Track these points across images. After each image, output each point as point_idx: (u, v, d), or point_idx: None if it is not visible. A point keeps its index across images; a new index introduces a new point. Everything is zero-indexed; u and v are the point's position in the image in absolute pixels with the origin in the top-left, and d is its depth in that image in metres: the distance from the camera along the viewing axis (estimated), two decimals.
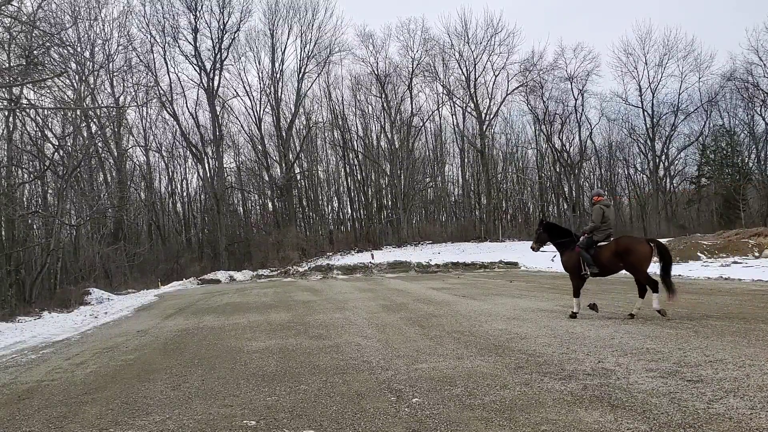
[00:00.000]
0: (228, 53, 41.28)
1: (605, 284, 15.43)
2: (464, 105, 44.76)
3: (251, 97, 43.97)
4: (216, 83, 40.84)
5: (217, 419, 4.41)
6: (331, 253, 37.63)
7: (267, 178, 44.87)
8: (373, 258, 32.06)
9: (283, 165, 43.39)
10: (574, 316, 8.70)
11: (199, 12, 39.95)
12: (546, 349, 6.31)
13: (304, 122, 45.53)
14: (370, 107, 46.11)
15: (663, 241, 26.38)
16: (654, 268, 8.50)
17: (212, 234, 42.79)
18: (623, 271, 8.73)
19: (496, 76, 43.91)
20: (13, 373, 7.13)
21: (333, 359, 6.42)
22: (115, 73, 36.76)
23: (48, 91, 19.86)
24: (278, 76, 42.97)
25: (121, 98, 36.85)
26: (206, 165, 42.45)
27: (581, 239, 8.81)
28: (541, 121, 46.32)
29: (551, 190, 48.81)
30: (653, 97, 42.94)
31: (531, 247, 9.88)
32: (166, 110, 41.39)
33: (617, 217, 41.21)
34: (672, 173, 45.48)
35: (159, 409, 4.82)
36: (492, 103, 44.53)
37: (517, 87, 44.17)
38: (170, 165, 45.66)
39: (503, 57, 43.44)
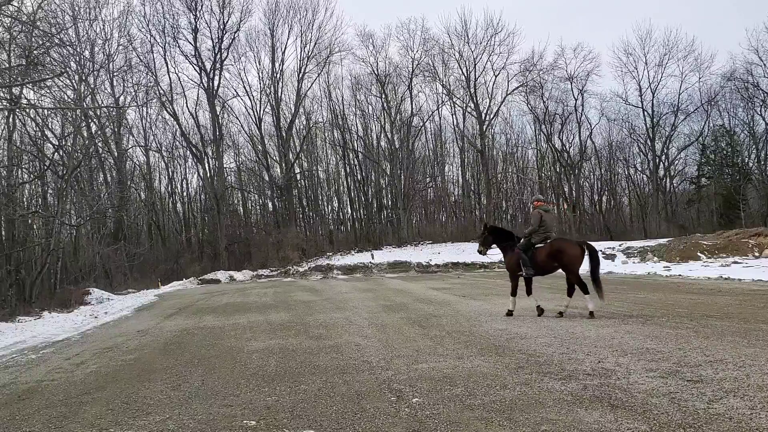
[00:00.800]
0: (228, 53, 41.27)
1: (606, 284, 15.42)
2: (464, 105, 44.76)
3: (251, 97, 43.98)
4: (216, 83, 40.85)
5: (217, 419, 4.41)
6: (331, 253, 37.62)
7: (267, 178, 44.85)
8: (373, 258, 32.06)
9: (283, 165, 43.38)
10: (510, 314, 9.35)
11: (199, 12, 39.94)
12: (546, 349, 6.31)
13: (304, 122, 45.54)
14: (370, 107, 46.13)
15: (663, 241, 26.41)
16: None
17: (212, 234, 42.77)
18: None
19: (496, 76, 43.91)
20: (13, 373, 7.13)
21: (333, 359, 6.42)
22: (115, 73, 36.77)
23: (48, 91, 19.90)
24: (278, 76, 42.98)
25: (121, 98, 36.86)
26: (206, 165, 42.44)
27: (521, 242, 9.33)
28: (541, 121, 46.31)
29: (551, 190, 48.79)
30: (653, 97, 42.95)
31: (478, 251, 10.31)
32: (166, 110, 41.38)
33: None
34: (672, 173, 45.50)
35: (159, 409, 4.82)
36: (492, 103, 44.55)
37: (517, 87, 44.17)
38: (170, 165, 45.67)
39: (503, 57, 43.43)
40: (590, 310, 8.64)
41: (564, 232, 43.28)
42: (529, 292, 9.55)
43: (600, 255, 9.21)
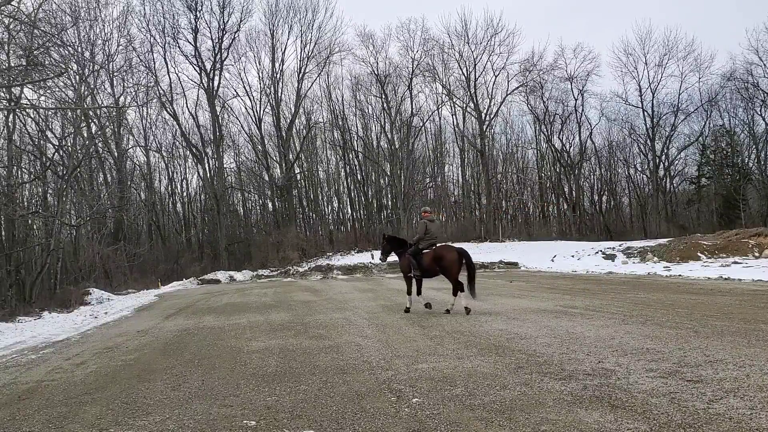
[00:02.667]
0: (228, 53, 41.31)
1: (606, 285, 15.43)
2: (464, 105, 44.78)
3: (251, 97, 44.00)
4: (216, 83, 40.87)
5: (217, 419, 4.41)
6: (331, 253, 37.61)
7: (267, 178, 44.86)
8: (373, 258, 32.06)
9: (283, 165, 43.39)
10: (407, 311, 10.49)
11: (200, 12, 39.99)
12: (546, 349, 6.31)
13: (304, 122, 45.56)
14: (370, 107, 46.15)
15: (663, 241, 26.53)
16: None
17: (212, 234, 42.78)
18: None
19: (496, 76, 43.94)
20: (13, 373, 7.13)
21: (333, 359, 6.42)
22: (115, 74, 36.76)
23: (48, 91, 19.89)
24: (278, 76, 42.99)
25: (121, 98, 36.84)
26: (206, 165, 42.47)
27: (411, 248, 10.49)
28: (541, 121, 46.34)
29: (551, 190, 48.81)
30: (653, 97, 42.97)
31: (379, 258, 11.61)
32: (166, 110, 41.40)
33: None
34: (672, 173, 45.52)
35: (159, 409, 4.82)
36: (492, 103, 44.57)
37: (517, 87, 44.21)
38: (170, 165, 45.69)
39: (503, 57, 43.45)
40: (465, 306, 9.77)
41: (564, 232, 43.29)
42: (419, 292, 10.70)
43: (474, 260, 10.55)
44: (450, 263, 9.88)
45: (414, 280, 10.64)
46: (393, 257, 11.31)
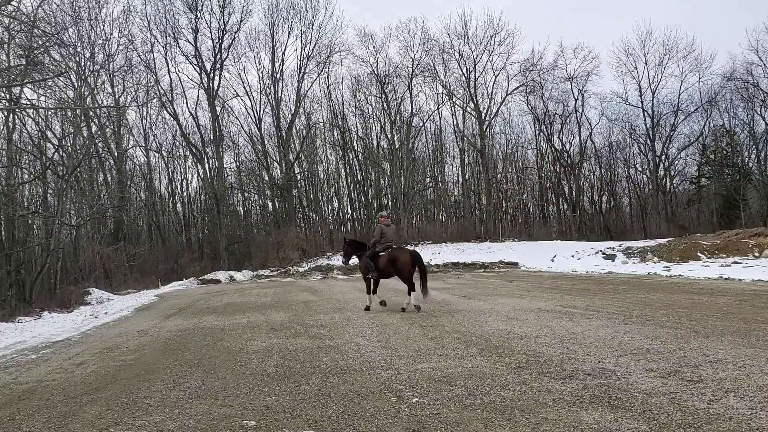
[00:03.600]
0: (228, 53, 41.33)
1: (606, 285, 15.43)
2: (464, 105, 44.77)
3: (251, 97, 44.01)
4: (216, 83, 40.89)
5: (217, 419, 4.41)
6: (331, 253, 37.60)
7: (267, 178, 44.86)
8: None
9: (283, 165, 43.39)
10: (367, 308, 11.12)
11: (200, 12, 39.99)
12: (546, 349, 6.31)
13: (304, 122, 45.56)
14: (370, 107, 46.16)
15: (663, 241, 26.71)
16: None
17: (212, 234, 42.78)
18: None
19: (496, 76, 43.93)
20: (13, 373, 7.13)
21: (333, 359, 6.42)
22: (115, 73, 36.78)
23: (48, 91, 19.88)
24: (278, 76, 43.00)
25: (121, 98, 36.86)
26: (206, 165, 42.48)
27: (369, 251, 11.26)
28: (541, 121, 46.34)
29: (551, 190, 48.80)
30: (653, 97, 42.97)
31: (342, 262, 12.46)
32: (166, 110, 41.42)
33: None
34: (672, 173, 45.53)
35: (159, 409, 4.81)
36: (492, 103, 44.56)
37: (517, 87, 44.20)
38: (170, 165, 45.69)
39: (503, 57, 43.45)
40: (415, 305, 10.49)
41: (564, 232, 43.27)
42: (374, 291, 11.39)
43: (425, 261, 11.68)
44: (403, 265, 10.68)
45: (372, 281, 11.36)
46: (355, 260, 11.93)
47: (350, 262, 12.12)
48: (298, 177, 45.65)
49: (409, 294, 10.69)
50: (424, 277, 10.65)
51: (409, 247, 11.36)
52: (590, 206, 48.37)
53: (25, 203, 27.51)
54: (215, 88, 40.76)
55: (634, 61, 43.69)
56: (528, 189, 49.97)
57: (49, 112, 23.94)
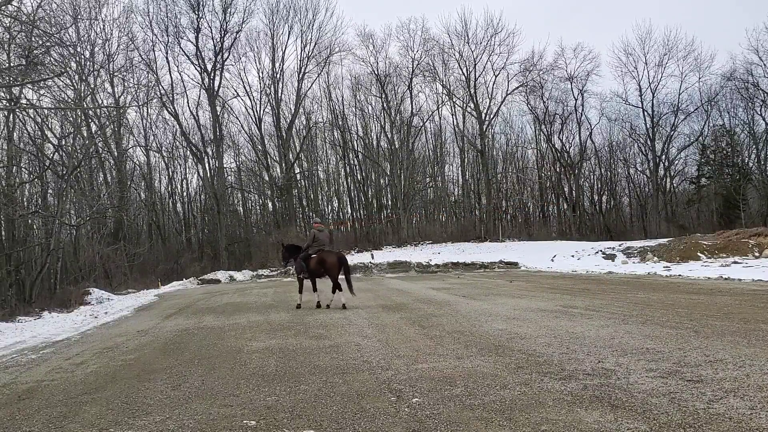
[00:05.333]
0: (229, 53, 41.29)
1: (606, 285, 15.43)
2: (464, 105, 44.80)
3: (251, 97, 44.00)
4: (217, 83, 40.85)
5: (217, 419, 4.41)
6: None
7: (267, 178, 44.85)
8: (373, 258, 32.06)
9: (283, 165, 43.38)
10: (298, 306, 12.20)
11: (202, 12, 39.95)
12: (546, 349, 6.31)
13: (304, 122, 45.57)
14: (370, 107, 46.17)
15: (663, 241, 26.87)
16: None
17: (212, 234, 42.77)
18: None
19: (496, 76, 43.97)
20: (13, 373, 7.13)
21: (333, 359, 6.42)
22: (115, 73, 36.75)
23: (48, 91, 19.89)
24: (278, 76, 42.98)
25: (122, 98, 36.82)
26: (206, 165, 42.46)
27: (302, 253, 12.35)
28: (541, 121, 46.35)
29: (551, 190, 48.81)
30: (653, 97, 42.99)
31: (280, 264, 14.49)
32: (167, 110, 41.40)
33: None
34: (672, 173, 45.54)
35: (159, 409, 4.81)
36: (492, 103, 44.61)
37: (517, 87, 44.24)
38: (170, 165, 45.67)
39: (503, 57, 43.50)
40: (342, 303, 11.59)
41: (564, 232, 43.28)
42: (314, 289, 12.43)
43: (349, 261, 12.91)
44: (330, 266, 11.73)
45: (308, 280, 12.43)
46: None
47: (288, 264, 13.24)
48: (298, 177, 45.65)
49: (333, 292, 11.84)
50: (348, 277, 11.76)
51: (337, 251, 12.61)
52: (590, 206, 48.38)
53: (25, 203, 27.50)
54: (216, 88, 40.78)
55: (634, 61, 43.77)
56: (528, 189, 49.99)
57: (49, 112, 23.93)
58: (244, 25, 41.14)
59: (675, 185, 46.42)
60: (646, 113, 43.18)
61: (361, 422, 4.11)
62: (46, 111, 22.68)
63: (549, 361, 5.69)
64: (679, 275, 17.61)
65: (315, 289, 12.36)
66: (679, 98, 42.52)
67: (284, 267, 13.35)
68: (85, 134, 30.34)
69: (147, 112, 42.00)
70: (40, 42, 16.97)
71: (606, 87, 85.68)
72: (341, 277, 11.84)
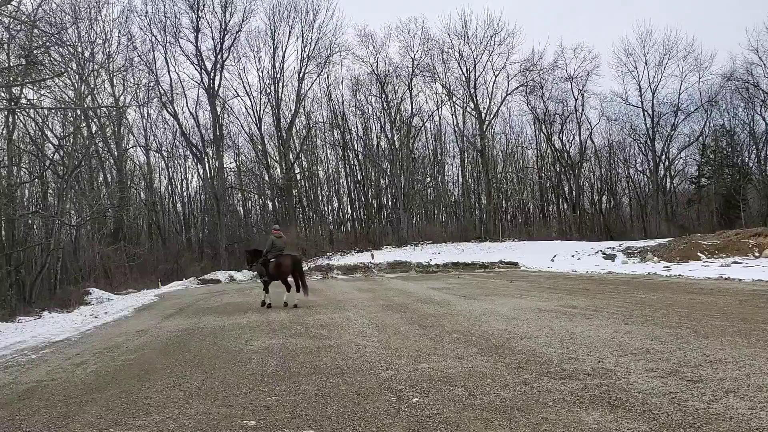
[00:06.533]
0: (229, 53, 41.27)
1: (606, 285, 15.43)
2: (464, 105, 44.80)
3: (251, 97, 44.02)
4: (216, 83, 40.83)
5: (217, 419, 4.41)
6: (331, 253, 37.61)
7: (267, 178, 44.85)
8: (373, 258, 32.07)
9: (283, 165, 43.37)
10: (263, 304, 13.10)
11: (201, 11, 39.92)
12: (546, 349, 6.31)
13: (304, 122, 45.55)
14: (370, 107, 46.15)
15: (663, 241, 26.97)
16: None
17: (212, 234, 42.77)
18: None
19: (496, 76, 43.96)
20: (13, 373, 7.13)
21: (333, 359, 6.42)
22: (115, 73, 36.75)
23: (48, 91, 19.88)
24: (278, 76, 42.96)
25: (122, 98, 36.81)
26: (206, 165, 42.45)
27: (262, 258, 13.32)
28: (541, 121, 46.34)
29: (551, 190, 48.82)
30: (653, 97, 42.98)
31: (245, 267, 15.06)
32: (167, 110, 41.40)
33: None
34: (672, 173, 45.52)
35: (159, 409, 4.81)
36: (492, 103, 44.59)
37: (517, 87, 44.22)
38: (170, 165, 45.70)
39: (503, 57, 43.50)
40: (294, 303, 12.68)
41: (564, 232, 43.26)
42: (267, 290, 13.31)
43: (303, 264, 14.12)
44: (286, 268, 12.81)
45: (270, 282, 13.38)
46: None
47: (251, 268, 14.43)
48: (298, 177, 45.64)
49: (288, 291, 13.10)
50: (302, 279, 12.96)
51: (293, 254, 13.80)
52: (590, 206, 48.38)
53: (25, 203, 27.49)
54: (216, 88, 40.76)
55: (634, 61, 43.76)
56: (528, 189, 49.99)
57: (49, 112, 23.93)
58: (244, 25, 41.17)
59: (675, 185, 46.44)
60: (646, 113, 43.22)
61: (361, 422, 4.11)
62: (46, 111, 22.68)
63: (549, 361, 5.69)
64: (679, 275, 17.61)
65: (267, 291, 13.34)
66: (679, 98, 42.57)
67: (249, 269, 15.07)
68: (85, 134, 30.34)
69: (147, 112, 42.07)
70: (40, 42, 16.96)
71: (606, 87, 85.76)
72: (290, 278, 13.04)
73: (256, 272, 15.01)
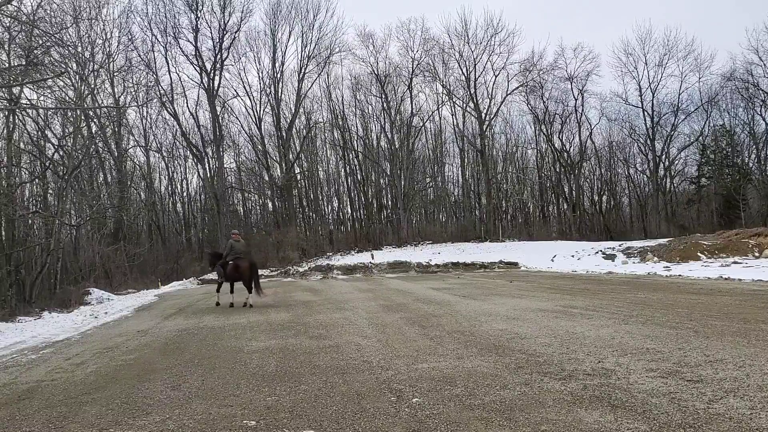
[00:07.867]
0: (228, 53, 41.25)
1: (606, 285, 15.43)
2: (464, 105, 44.77)
3: (251, 97, 44.00)
4: (216, 83, 40.82)
5: (217, 419, 4.41)
6: (331, 253, 37.60)
7: (267, 178, 44.84)
8: (373, 258, 32.06)
9: (283, 165, 43.36)
10: (217, 304, 14.06)
11: (200, 12, 39.91)
12: (546, 349, 6.31)
13: (304, 122, 45.53)
14: (370, 107, 46.13)
15: (663, 241, 27.09)
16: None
17: (212, 234, 42.76)
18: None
19: (496, 76, 43.93)
20: (13, 373, 7.13)
21: (333, 359, 6.42)
22: (115, 73, 36.74)
23: (48, 91, 19.85)
24: (278, 76, 42.94)
25: (122, 98, 36.80)
26: (206, 165, 42.45)
27: (221, 261, 14.11)
28: (541, 121, 46.34)
29: (551, 190, 48.81)
30: (653, 97, 42.98)
31: (209, 268, 15.56)
32: (167, 110, 41.38)
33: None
34: (672, 173, 45.51)
35: (159, 409, 4.81)
36: (492, 103, 44.55)
37: (517, 87, 44.20)
38: (170, 165, 45.68)
39: (503, 57, 43.47)
40: (250, 303, 13.31)
41: (564, 232, 43.28)
42: (220, 290, 14.45)
43: (259, 268, 14.66)
44: (243, 271, 13.47)
45: (227, 283, 14.23)
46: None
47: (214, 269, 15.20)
48: (298, 177, 45.63)
49: (249, 292, 13.50)
50: (257, 281, 13.50)
51: (251, 258, 14.54)
52: (590, 206, 48.37)
53: (25, 203, 27.49)
54: (215, 88, 40.75)
55: (634, 61, 43.78)
56: (528, 189, 49.99)
57: (49, 112, 23.93)
58: (243, 25, 41.16)
59: (675, 185, 46.44)
60: (646, 113, 43.22)
61: (361, 422, 4.11)
62: (46, 111, 22.67)
63: (549, 361, 5.69)
64: (679, 275, 17.61)
65: (232, 291, 14.20)
66: (679, 98, 42.58)
67: (212, 270, 15.83)
68: (85, 134, 30.34)
69: (147, 112, 42.05)
70: (40, 42, 16.97)
71: (606, 87, 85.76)
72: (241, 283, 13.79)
73: (216, 272, 15.55)
